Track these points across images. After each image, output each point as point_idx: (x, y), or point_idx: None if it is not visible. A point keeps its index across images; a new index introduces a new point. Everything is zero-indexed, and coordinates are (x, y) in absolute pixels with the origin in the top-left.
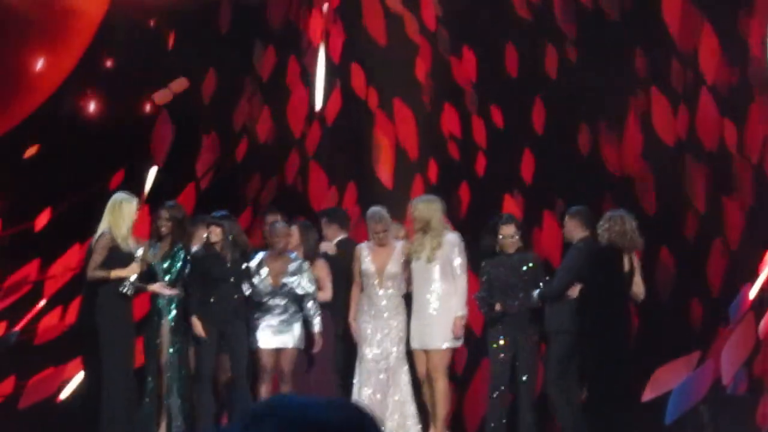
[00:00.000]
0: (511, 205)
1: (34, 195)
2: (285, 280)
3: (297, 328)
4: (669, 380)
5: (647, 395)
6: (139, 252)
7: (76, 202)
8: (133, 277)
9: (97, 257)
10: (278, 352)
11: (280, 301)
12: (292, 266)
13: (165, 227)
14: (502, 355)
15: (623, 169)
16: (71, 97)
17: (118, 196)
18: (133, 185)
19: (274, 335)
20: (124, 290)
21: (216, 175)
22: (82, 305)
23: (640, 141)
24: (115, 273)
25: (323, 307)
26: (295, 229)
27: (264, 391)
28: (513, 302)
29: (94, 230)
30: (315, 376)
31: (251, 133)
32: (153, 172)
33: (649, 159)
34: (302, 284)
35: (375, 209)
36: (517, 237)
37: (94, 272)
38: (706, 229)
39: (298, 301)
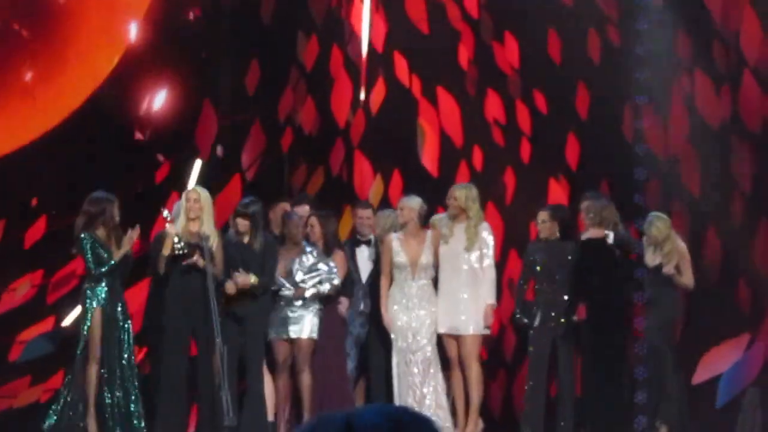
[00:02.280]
0: (556, 190)
1: (81, 189)
2: (300, 276)
3: (311, 319)
4: (719, 363)
5: (698, 378)
6: (166, 213)
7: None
8: (176, 238)
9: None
10: (291, 342)
11: (287, 292)
12: (309, 260)
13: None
14: (534, 348)
15: (668, 152)
16: (118, 92)
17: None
18: (180, 178)
19: (286, 326)
20: (178, 251)
21: (262, 166)
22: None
23: (685, 123)
24: (165, 247)
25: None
26: (314, 220)
27: (281, 384)
28: (551, 287)
29: (140, 224)
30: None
31: (296, 124)
32: (198, 164)
33: (694, 141)
34: (322, 289)
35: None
36: (548, 223)
37: (159, 264)
38: (753, 210)
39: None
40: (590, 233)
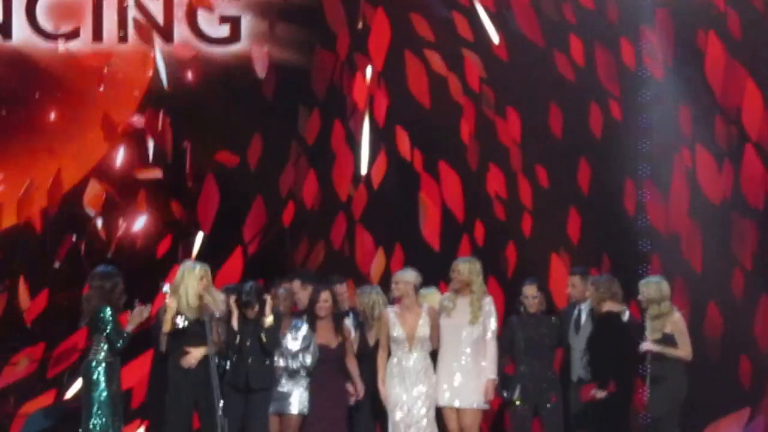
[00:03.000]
0: (558, 264)
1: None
2: (291, 345)
3: (300, 393)
4: None
5: None
6: (165, 288)
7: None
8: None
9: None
10: (280, 417)
11: (282, 364)
12: (298, 332)
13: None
14: (521, 410)
15: (669, 227)
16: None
17: (184, 264)
18: (181, 252)
19: (276, 399)
20: (180, 325)
21: (263, 240)
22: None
23: (686, 198)
24: (165, 324)
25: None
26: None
27: None
28: (532, 362)
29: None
30: None
31: (298, 198)
32: (200, 237)
33: (696, 216)
34: (306, 360)
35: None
36: (538, 298)
37: (161, 343)
38: (754, 286)
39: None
40: (608, 306)
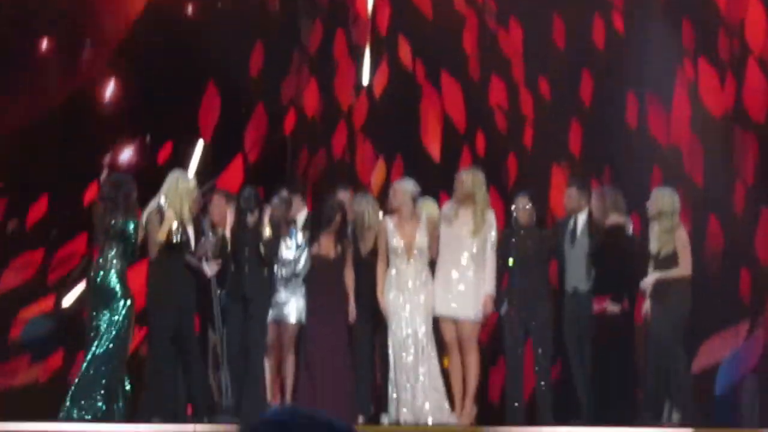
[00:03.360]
0: (559, 176)
1: (83, 169)
2: (285, 254)
3: (296, 301)
4: (719, 351)
5: (698, 366)
6: (163, 201)
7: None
8: (175, 226)
9: (153, 235)
10: (278, 324)
11: (278, 272)
12: (292, 240)
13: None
14: (515, 324)
15: (671, 140)
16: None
17: (176, 174)
18: (181, 159)
19: (273, 307)
20: (175, 239)
21: (264, 149)
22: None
23: (688, 112)
24: (161, 232)
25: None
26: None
27: (268, 365)
28: (524, 274)
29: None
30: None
31: (299, 107)
32: (200, 146)
33: (697, 130)
34: (298, 268)
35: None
36: (530, 209)
37: (153, 249)
38: (754, 199)
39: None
40: (613, 219)
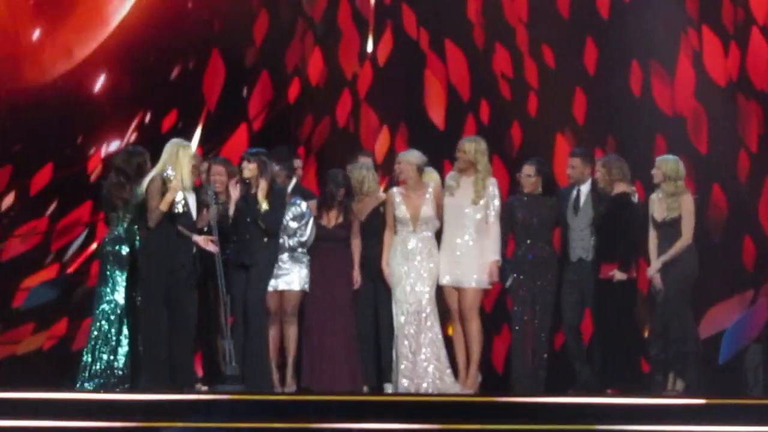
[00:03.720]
0: (563, 144)
1: (86, 137)
2: (290, 223)
3: (299, 271)
4: (722, 319)
5: (702, 334)
6: (169, 172)
7: (129, 144)
8: (179, 196)
9: (153, 203)
10: (281, 294)
11: (282, 241)
12: (296, 210)
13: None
14: (521, 293)
15: (675, 109)
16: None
17: (176, 141)
18: (185, 127)
19: (277, 277)
20: (177, 210)
21: (268, 117)
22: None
23: (692, 80)
24: (164, 202)
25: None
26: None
27: (271, 334)
28: (529, 242)
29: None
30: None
31: (303, 74)
32: (204, 114)
33: (701, 98)
34: (302, 238)
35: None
36: (534, 177)
37: (152, 217)
38: (758, 168)
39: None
40: (620, 188)
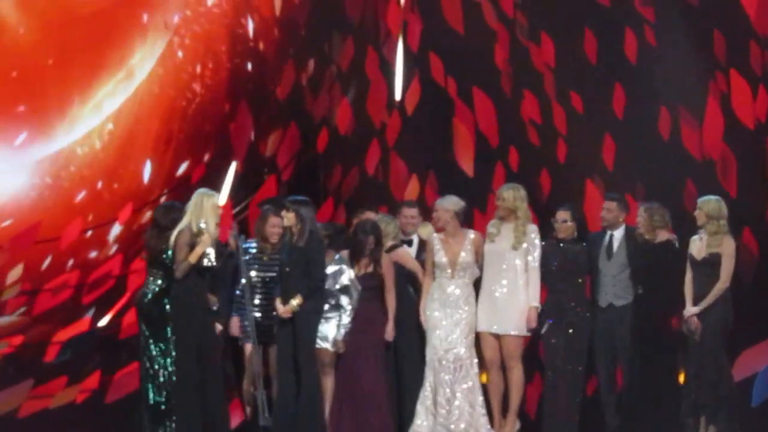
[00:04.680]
0: (592, 190)
1: (118, 190)
2: (328, 284)
3: (332, 328)
4: (755, 363)
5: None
6: (203, 224)
7: (160, 196)
8: (209, 250)
9: (181, 255)
10: (318, 350)
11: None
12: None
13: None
14: (553, 340)
15: (704, 152)
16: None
17: (201, 191)
18: (215, 179)
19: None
20: (207, 263)
21: (297, 167)
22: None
23: (721, 124)
24: (193, 255)
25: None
26: None
27: None
28: (563, 288)
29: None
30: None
31: (331, 125)
32: (234, 165)
33: (730, 141)
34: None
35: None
36: (569, 223)
37: (180, 269)
38: None
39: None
40: (664, 236)
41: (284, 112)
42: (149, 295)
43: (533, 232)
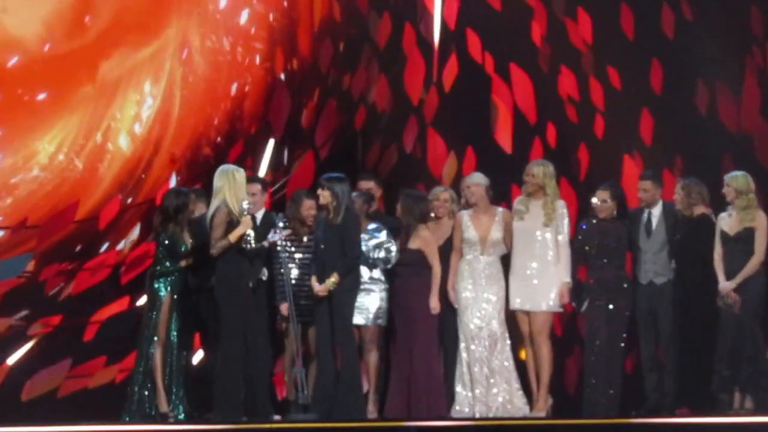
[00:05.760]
0: (630, 166)
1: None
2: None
3: (376, 303)
4: None
5: None
6: (245, 204)
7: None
8: (250, 231)
9: (218, 232)
10: (358, 328)
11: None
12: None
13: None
14: (594, 317)
15: (741, 127)
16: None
17: (227, 167)
18: (253, 156)
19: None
20: (247, 246)
21: (335, 144)
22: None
23: (758, 98)
24: (233, 235)
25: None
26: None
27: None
28: (602, 266)
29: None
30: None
31: (369, 102)
32: (271, 143)
33: (767, 116)
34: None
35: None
36: (609, 203)
37: (217, 246)
38: None
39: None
40: (701, 210)
41: (322, 89)
42: (149, 276)
43: (562, 208)
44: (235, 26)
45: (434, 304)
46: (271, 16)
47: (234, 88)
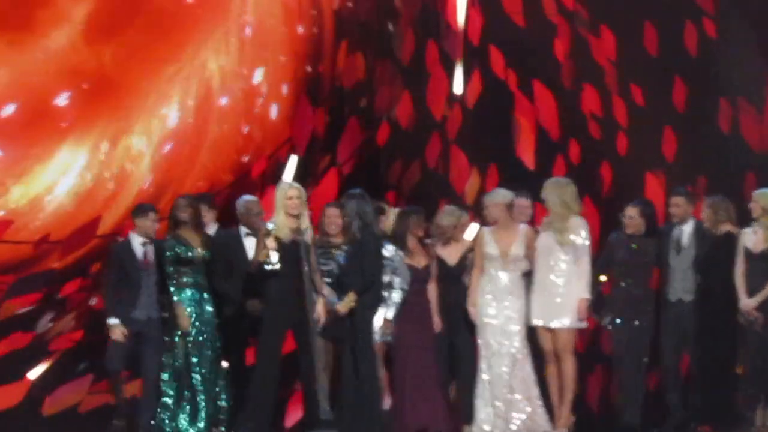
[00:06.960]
0: (653, 183)
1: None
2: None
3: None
4: None
5: None
6: (270, 225)
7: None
8: (272, 253)
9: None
10: None
11: None
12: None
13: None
14: (618, 332)
15: (764, 145)
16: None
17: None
18: (276, 172)
19: None
20: (268, 266)
21: (358, 161)
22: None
23: None
24: (260, 253)
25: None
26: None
27: None
28: (628, 281)
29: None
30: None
31: (392, 118)
32: (294, 159)
33: None
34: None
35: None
36: (637, 219)
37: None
38: None
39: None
40: (728, 227)
41: (345, 106)
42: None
43: (578, 224)
44: (260, 46)
45: (437, 321)
46: (299, 29)
47: (259, 103)
